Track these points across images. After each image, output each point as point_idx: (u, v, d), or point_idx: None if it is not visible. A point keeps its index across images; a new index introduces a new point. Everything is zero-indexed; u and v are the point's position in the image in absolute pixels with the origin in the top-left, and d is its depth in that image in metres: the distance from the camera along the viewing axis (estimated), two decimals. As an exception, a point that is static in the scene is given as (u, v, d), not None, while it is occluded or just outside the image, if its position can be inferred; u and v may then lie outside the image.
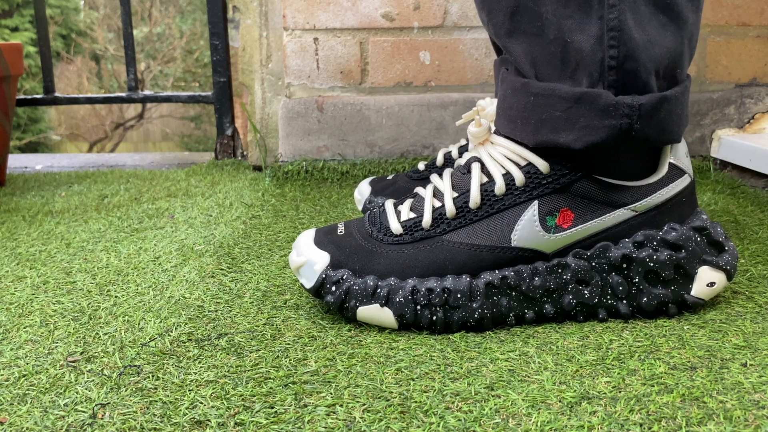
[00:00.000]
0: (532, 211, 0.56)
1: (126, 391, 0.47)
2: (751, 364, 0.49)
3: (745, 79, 1.18)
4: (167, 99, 1.46)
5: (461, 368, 0.49)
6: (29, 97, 1.43)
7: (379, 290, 0.55)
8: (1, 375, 0.49)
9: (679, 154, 0.59)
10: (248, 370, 0.49)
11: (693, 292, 0.57)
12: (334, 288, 0.56)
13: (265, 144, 1.25)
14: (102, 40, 7.42)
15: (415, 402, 0.45)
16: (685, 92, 0.58)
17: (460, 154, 0.88)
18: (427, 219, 0.58)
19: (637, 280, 0.57)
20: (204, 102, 1.41)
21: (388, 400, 0.45)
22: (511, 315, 0.56)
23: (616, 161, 0.57)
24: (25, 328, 0.57)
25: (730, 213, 0.90)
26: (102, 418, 0.43)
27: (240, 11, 1.26)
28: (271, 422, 0.43)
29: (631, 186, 0.57)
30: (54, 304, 0.63)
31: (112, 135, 7.30)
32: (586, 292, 0.57)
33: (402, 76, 1.17)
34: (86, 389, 0.47)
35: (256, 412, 0.44)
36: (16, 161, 1.47)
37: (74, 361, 0.51)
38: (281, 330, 0.56)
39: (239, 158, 1.37)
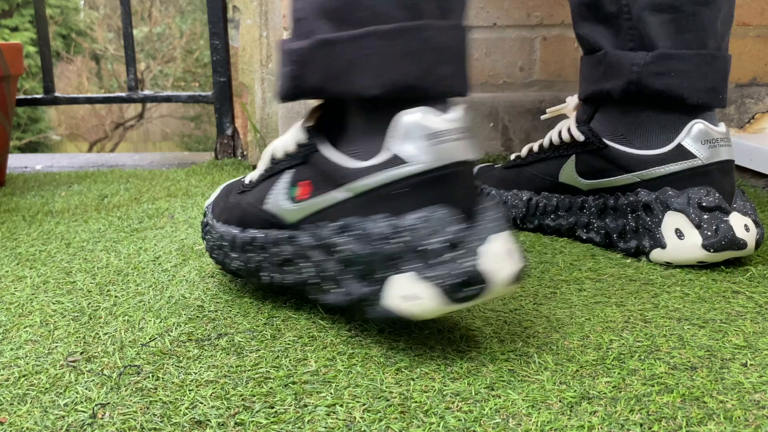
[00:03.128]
0: (285, 180, 0.59)
1: (126, 391, 0.47)
2: (751, 364, 0.49)
3: (745, 79, 1.18)
4: (167, 99, 1.47)
5: (461, 368, 0.49)
6: (29, 97, 1.43)
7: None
8: (1, 375, 0.49)
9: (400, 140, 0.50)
10: (248, 370, 0.49)
11: (385, 302, 0.50)
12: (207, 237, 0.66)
13: (265, 144, 1.25)
14: (102, 40, 7.42)
15: (415, 402, 0.45)
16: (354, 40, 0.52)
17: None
18: (246, 181, 0.65)
19: (335, 266, 0.53)
20: (204, 102, 1.41)
21: (388, 400, 0.45)
22: (262, 274, 0.60)
23: (346, 131, 0.55)
24: (25, 328, 0.57)
25: (730, 213, 0.90)
26: (102, 418, 0.43)
27: (240, 11, 1.26)
28: (271, 422, 0.43)
29: (348, 167, 0.53)
30: (54, 304, 0.63)
31: (112, 135, 7.30)
32: (306, 268, 0.56)
33: (402, 76, 1.16)
34: (86, 389, 0.47)
35: (256, 412, 0.44)
36: (16, 161, 1.48)
37: (74, 361, 0.51)
38: (281, 330, 0.56)
39: (239, 158, 1.37)
